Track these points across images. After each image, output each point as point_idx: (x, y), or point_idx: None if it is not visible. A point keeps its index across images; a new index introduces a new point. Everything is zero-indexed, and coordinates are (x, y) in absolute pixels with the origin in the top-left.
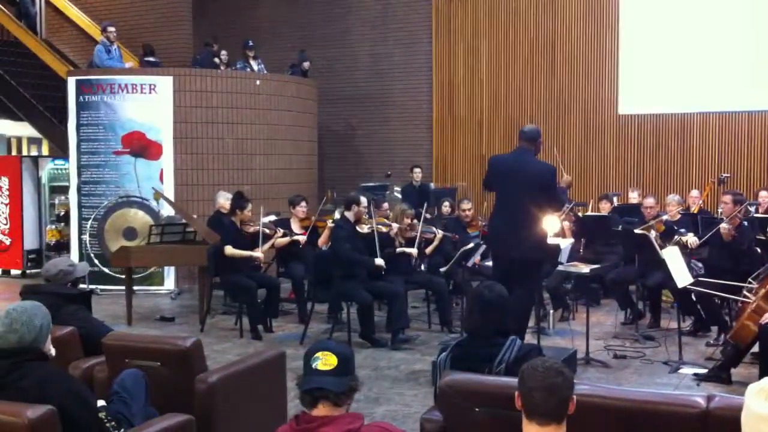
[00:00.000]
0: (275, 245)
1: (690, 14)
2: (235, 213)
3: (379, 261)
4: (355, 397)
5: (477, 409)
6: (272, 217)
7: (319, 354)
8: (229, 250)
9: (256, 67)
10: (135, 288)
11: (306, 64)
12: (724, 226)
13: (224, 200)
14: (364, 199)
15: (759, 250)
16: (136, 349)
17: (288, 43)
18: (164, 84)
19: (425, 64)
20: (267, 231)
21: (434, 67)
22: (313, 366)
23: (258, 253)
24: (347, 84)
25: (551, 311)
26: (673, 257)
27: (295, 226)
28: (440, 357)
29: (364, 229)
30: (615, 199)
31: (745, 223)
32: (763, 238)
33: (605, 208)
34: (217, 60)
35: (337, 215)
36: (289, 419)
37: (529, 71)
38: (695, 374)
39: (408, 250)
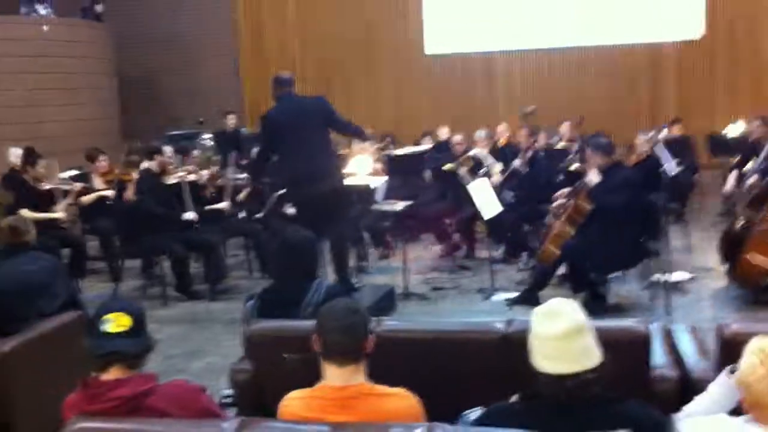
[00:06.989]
0: (82, 202)
1: None
2: (27, 170)
3: (189, 215)
4: (171, 353)
5: (285, 355)
6: (73, 172)
7: (110, 316)
8: (26, 213)
9: (43, 12)
10: None
11: (99, 7)
12: (517, 162)
13: (15, 158)
14: (167, 148)
15: (563, 177)
16: None
17: None
18: None
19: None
20: (65, 187)
21: (241, 6)
22: (103, 329)
23: (59, 213)
24: (148, 27)
25: (371, 250)
26: (479, 190)
27: (98, 181)
28: (247, 305)
29: (170, 179)
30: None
31: (541, 153)
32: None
33: (427, 142)
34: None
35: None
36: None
37: (336, 11)
38: (507, 299)
39: (218, 206)
